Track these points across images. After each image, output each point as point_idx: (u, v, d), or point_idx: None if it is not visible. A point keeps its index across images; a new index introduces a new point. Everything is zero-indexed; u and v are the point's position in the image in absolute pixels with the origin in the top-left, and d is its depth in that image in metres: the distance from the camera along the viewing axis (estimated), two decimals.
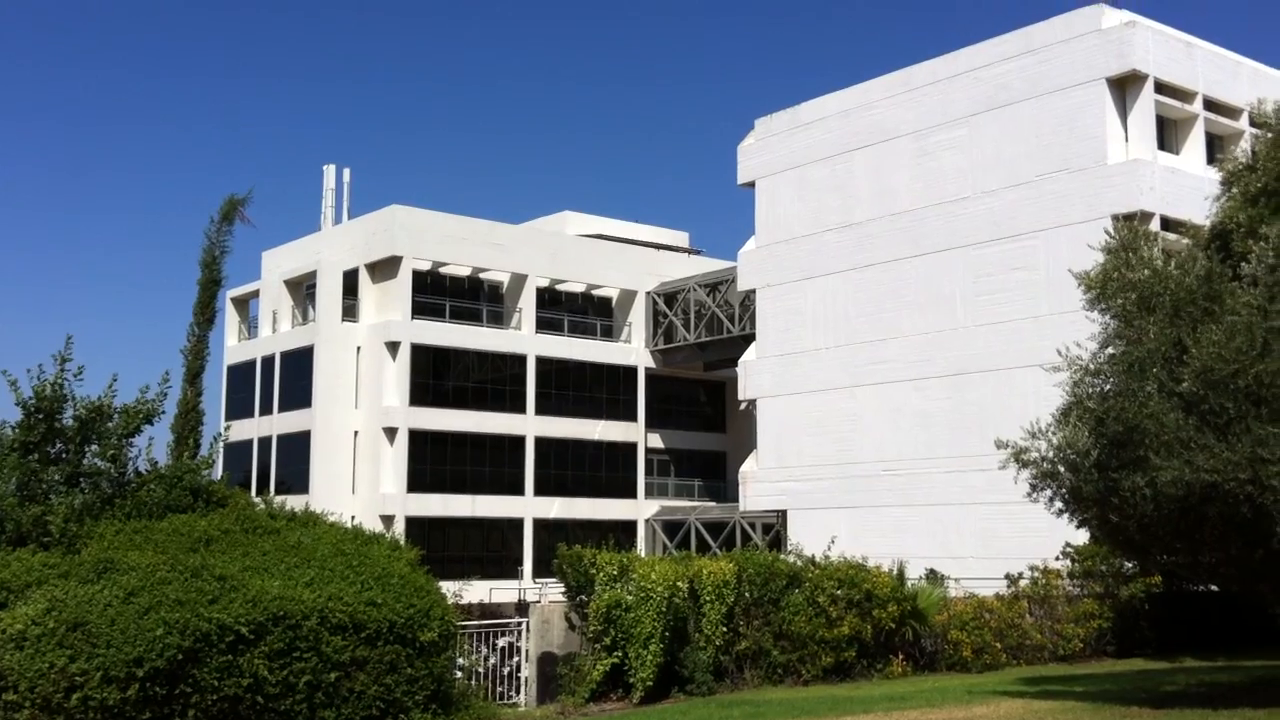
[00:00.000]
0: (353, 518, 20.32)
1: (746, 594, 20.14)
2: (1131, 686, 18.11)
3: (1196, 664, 22.12)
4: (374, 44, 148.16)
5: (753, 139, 49.24)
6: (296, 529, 16.92)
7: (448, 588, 17.18)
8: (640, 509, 58.38)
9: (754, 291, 49.02)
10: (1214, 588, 23.86)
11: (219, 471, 33.08)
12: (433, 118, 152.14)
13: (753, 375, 48.15)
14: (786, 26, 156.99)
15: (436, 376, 53.86)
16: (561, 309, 59.06)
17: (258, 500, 18.53)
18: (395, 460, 52.22)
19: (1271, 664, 21.16)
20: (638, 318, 60.00)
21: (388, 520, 49.89)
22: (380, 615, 14.75)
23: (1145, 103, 38.13)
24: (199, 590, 13.65)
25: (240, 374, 59.41)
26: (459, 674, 16.83)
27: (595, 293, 60.21)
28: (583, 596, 18.90)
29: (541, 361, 56.58)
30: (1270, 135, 17.82)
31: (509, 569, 51.73)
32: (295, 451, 53.77)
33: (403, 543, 18.28)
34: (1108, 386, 15.34)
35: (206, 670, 13.09)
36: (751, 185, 49.06)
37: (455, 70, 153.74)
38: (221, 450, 40.29)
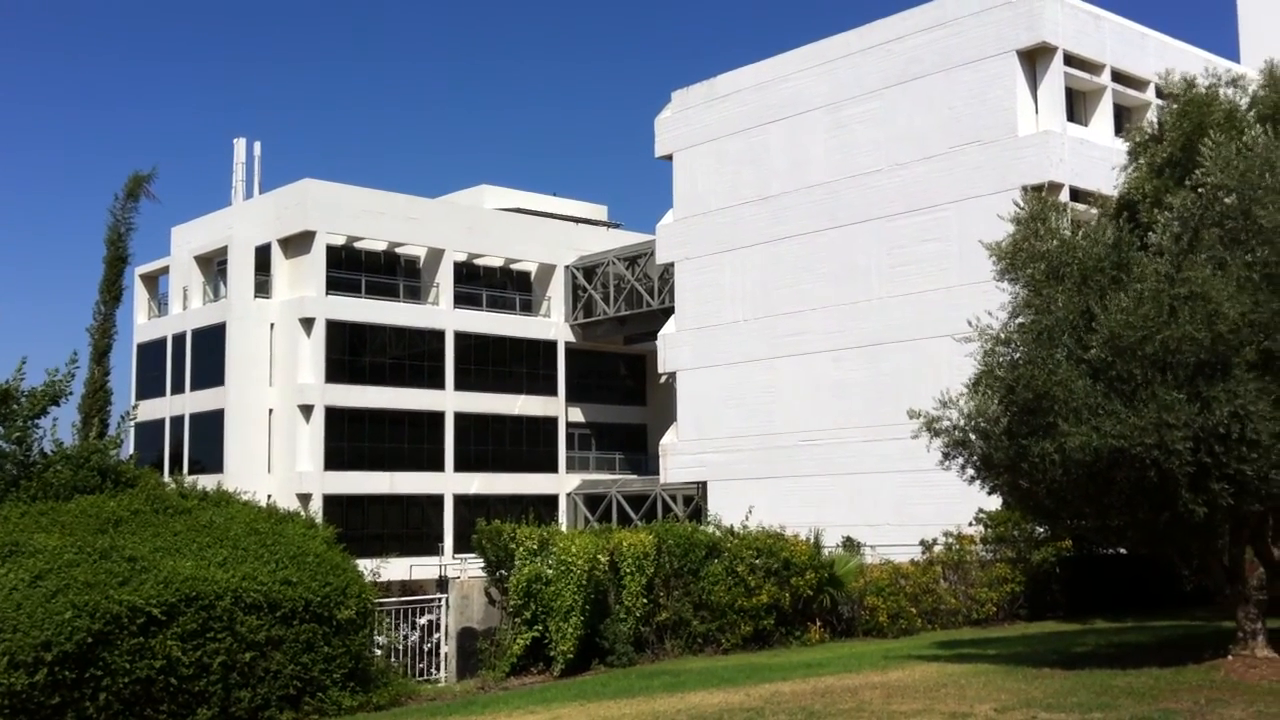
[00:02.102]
0: (268, 497, 20.11)
1: (666, 565, 20.25)
2: (1043, 648, 18.49)
3: (1106, 625, 22.64)
4: (285, 17, 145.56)
5: (670, 112, 49.19)
6: (209, 508, 16.70)
7: (365, 565, 17.07)
8: (561, 483, 58.39)
9: (673, 265, 49.09)
10: (1123, 551, 24.42)
11: (129, 451, 32.42)
12: (347, 92, 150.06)
13: (672, 348, 48.27)
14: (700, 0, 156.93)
15: (353, 353, 53.28)
16: (480, 283, 58.68)
17: (169, 480, 18.24)
18: (311, 438, 51.63)
19: (1178, 624, 21.73)
20: (557, 292, 59.82)
21: (304, 499, 49.36)
22: (296, 594, 14.62)
23: (1055, 75, 38.68)
24: (108, 572, 13.42)
25: (150, 352, 58.30)
26: (378, 651, 16.75)
27: (514, 267, 59.90)
28: (503, 571, 18.86)
29: (460, 336, 56.21)
30: (1175, 107, 18.16)
31: (429, 546, 51.47)
32: (208, 430, 52.95)
33: (319, 521, 18.13)
34: (1017, 355, 15.56)
35: (117, 653, 12.88)
36: (669, 158, 49.06)
37: (369, 43, 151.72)
38: (131, 430, 39.50)
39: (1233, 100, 18.15)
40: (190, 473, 44.85)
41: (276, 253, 53.69)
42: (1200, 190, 15.15)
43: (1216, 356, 13.85)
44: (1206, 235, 14.85)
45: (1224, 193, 14.76)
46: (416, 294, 56.76)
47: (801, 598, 21.40)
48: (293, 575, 14.80)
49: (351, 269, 54.59)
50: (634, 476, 58.59)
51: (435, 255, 56.52)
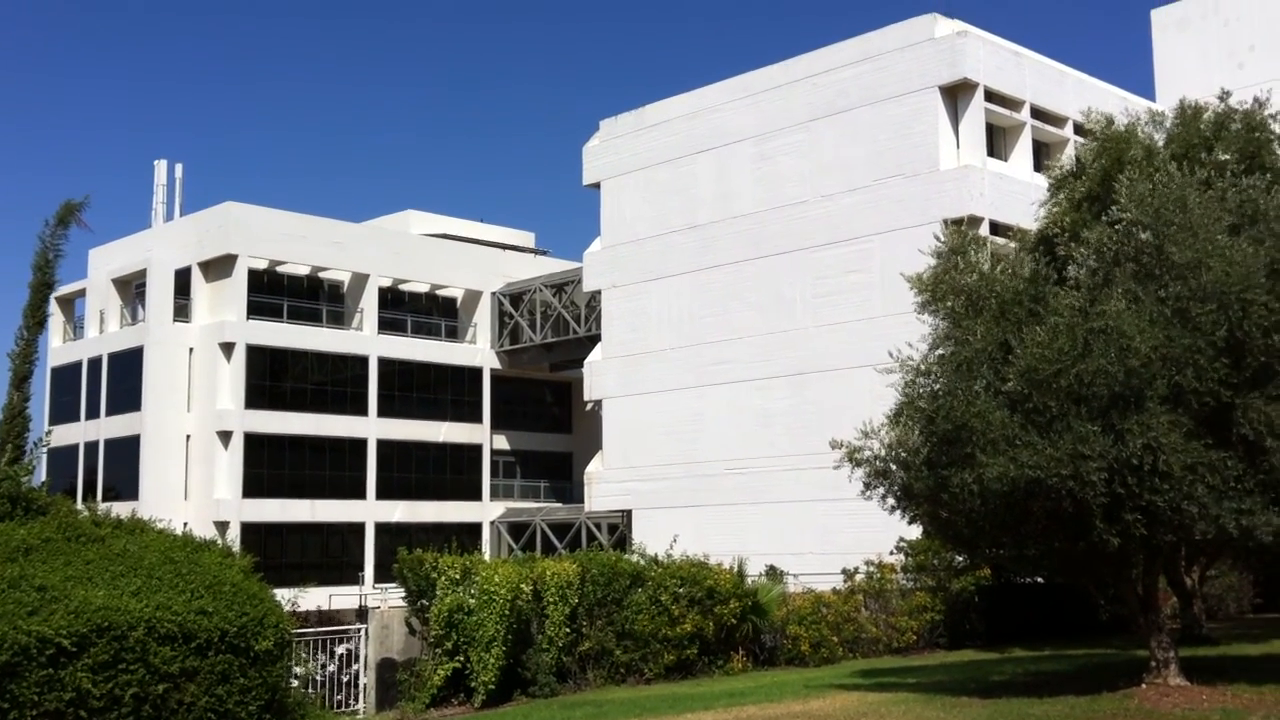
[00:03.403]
0: (185, 525, 19.73)
1: (590, 594, 20.17)
2: (962, 677, 18.66)
3: (1024, 654, 22.91)
4: (209, 38, 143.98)
5: (598, 140, 49.34)
6: (123, 536, 16.29)
7: (283, 595, 16.77)
8: (485, 511, 57.93)
9: (600, 292, 49.12)
10: (1040, 580, 24.77)
11: (41, 478, 31.63)
12: (271, 114, 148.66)
13: (598, 376, 48.24)
14: (631, 29, 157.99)
15: (274, 378, 52.53)
16: (405, 309, 58.23)
17: (82, 507, 17.82)
18: (230, 465, 50.75)
19: (1094, 653, 22.05)
20: (483, 318, 59.51)
21: (222, 526, 48.49)
22: (211, 624, 14.31)
23: (976, 110, 39.38)
24: (16, 601, 13.03)
25: (65, 376, 57.01)
26: (295, 683, 16.43)
27: (440, 293, 59.54)
28: (424, 601, 18.66)
29: (384, 362, 55.67)
30: (1094, 143, 18.57)
31: (350, 575, 50.74)
32: (124, 456, 51.83)
33: (237, 549, 17.79)
34: (937, 386, 15.78)
35: (25, 685, 12.50)
36: (597, 186, 49.16)
37: (295, 66, 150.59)
38: (44, 456, 38.59)
39: (1151, 138, 18.62)
40: (105, 500, 43.90)
41: (197, 276, 52.87)
42: (1116, 226, 15.50)
43: (1129, 390, 14.13)
44: (1121, 270, 15.19)
45: (1139, 229, 15.11)
46: (340, 319, 56.18)
47: (725, 626, 21.41)
48: (208, 605, 14.48)
49: (274, 293, 53.91)
50: (559, 505, 58.34)
51: (360, 280, 55.99)
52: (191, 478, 51.62)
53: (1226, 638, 23.51)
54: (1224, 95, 18.84)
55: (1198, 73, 58.54)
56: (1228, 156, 17.10)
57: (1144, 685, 15.69)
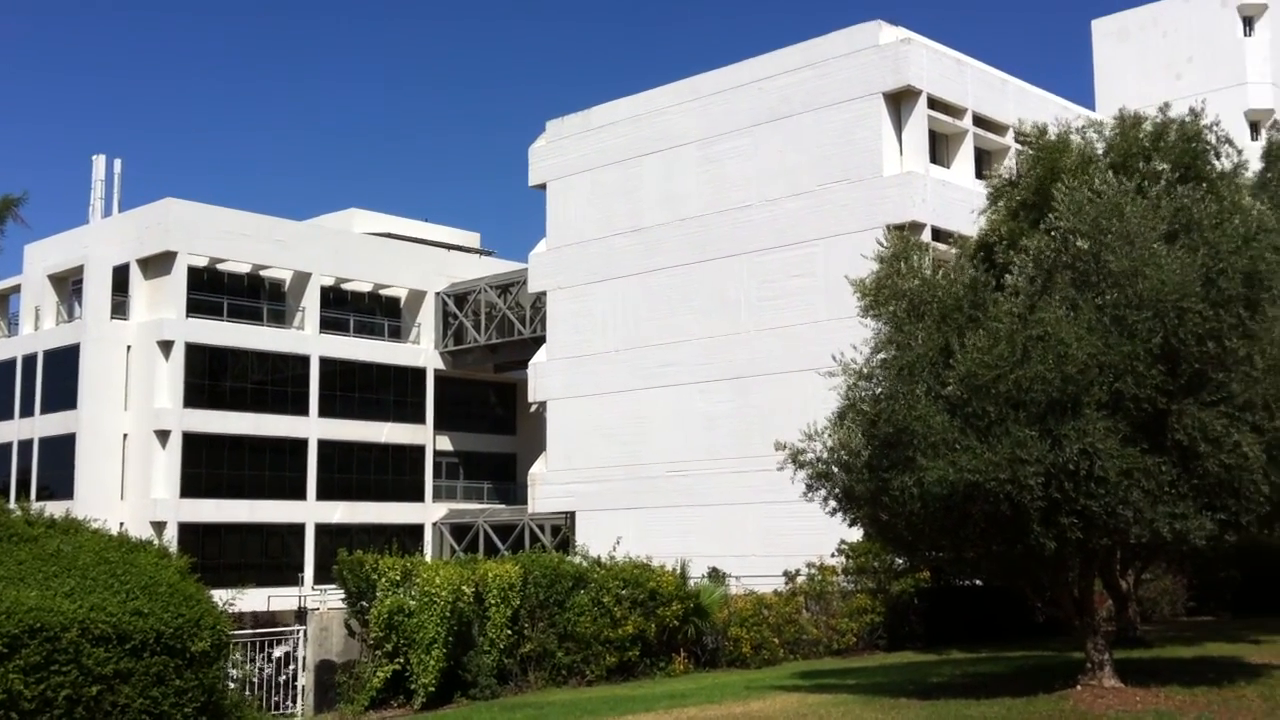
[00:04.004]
0: (121, 525, 19.47)
1: (532, 596, 20.13)
2: (901, 679, 18.81)
3: (962, 655, 23.13)
4: (150, 32, 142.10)
5: (544, 141, 49.25)
6: (56, 536, 16.04)
7: (221, 596, 16.59)
8: (428, 512, 57.63)
9: (545, 294, 49.03)
10: (978, 582, 25.00)
11: None
12: (212, 110, 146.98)
13: (543, 377, 48.13)
14: (578, 30, 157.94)
15: (213, 377, 51.93)
16: (347, 309, 57.78)
17: (14, 507, 17.52)
18: (168, 464, 50.11)
19: (1031, 655, 22.30)
20: (427, 319, 59.20)
21: (159, 527, 47.86)
22: (146, 626, 14.14)
23: (919, 118, 39.74)
24: None
25: None
26: (232, 684, 16.26)
27: (383, 292, 59.14)
28: (364, 603, 18.53)
29: (325, 362, 55.21)
30: (1031, 152, 18.81)
31: (289, 576, 50.24)
32: (59, 455, 51.00)
33: (174, 550, 17.59)
34: (879, 390, 15.90)
35: None
36: (543, 187, 49.06)
37: (238, 61, 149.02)
38: None
39: (1090, 146, 18.87)
40: (38, 499, 43.06)
41: (135, 273, 52.16)
42: (1054, 234, 15.69)
43: (1067, 396, 14.31)
44: (1059, 278, 15.38)
45: (1076, 237, 15.30)
46: (281, 318, 55.64)
47: (667, 628, 21.45)
48: (144, 606, 14.30)
49: (214, 291, 53.29)
50: (502, 506, 58.15)
51: (301, 279, 55.49)
52: (128, 477, 50.92)
53: (1160, 640, 23.87)
54: (1164, 107, 19.14)
55: (1137, 83, 59.56)
56: (1165, 166, 17.38)
57: (1079, 687, 15.89)
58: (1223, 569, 31.64)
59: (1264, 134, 32.09)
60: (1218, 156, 18.43)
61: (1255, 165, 28.17)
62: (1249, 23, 60.63)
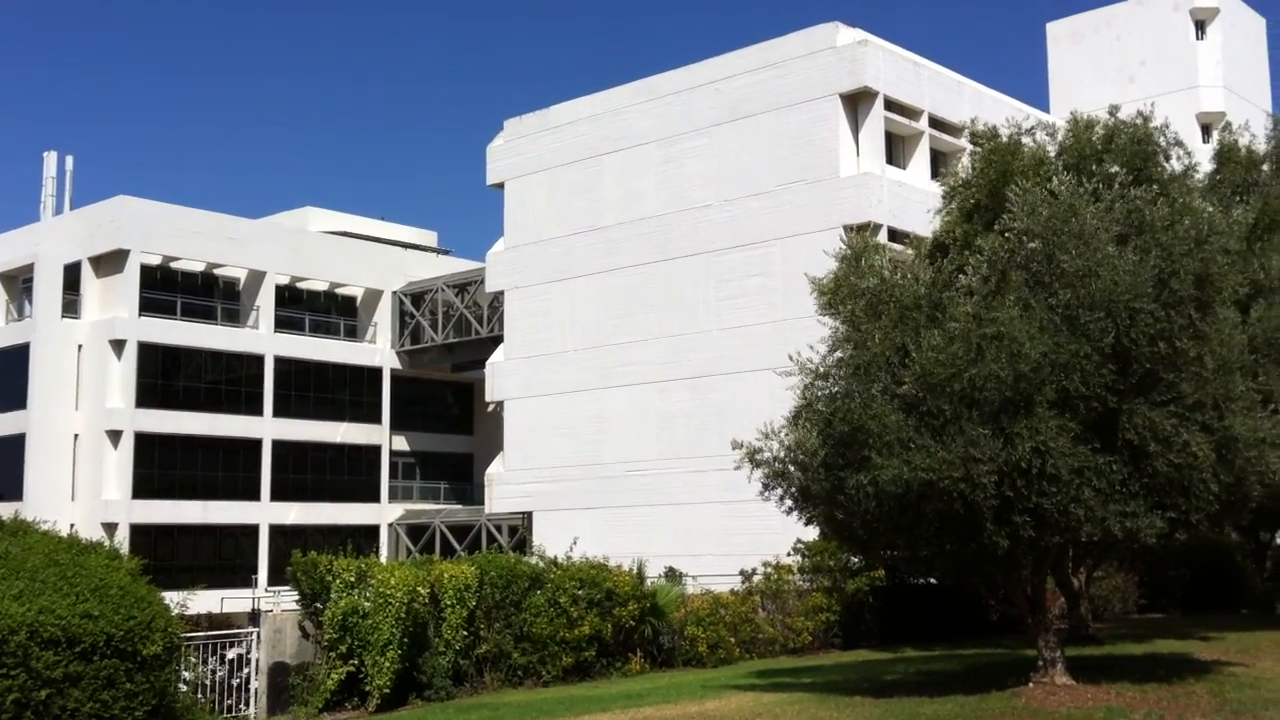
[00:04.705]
0: (71, 526, 19.22)
1: (488, 597, 20.06)
2: (856, 677, 18.90)
3: (916, 654, 23.27)
4: (102, 27, 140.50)
5: (502, 140, 49.11)
6: (5, 538, 15.81)
7: (172, 598, 16.41)
8: (384, 513, 57.29)
9: (503, 293, 48.89)
10: (933, 581, 25.16)
11: None
12: (165, 106, 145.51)
13: (500, 377, 48.00)
14: (536, 28, 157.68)
15: (166, 377, 51.39)
16: (303, 308, 57.34)
17: None
18: (120, 465, 49.55)
19: (984, 652, 22.48)
20: (383, 318, 58.84)
21: (110, 528, 47.29)
22: (97, 628, 13.96)
23: (876, 119, 39.95)
24: None
25: None
26: (184, 687, 16.09)
27: (339, 291, 58.75)
28: (318, 604, 18.39)
29: (280, 362, 54.75)
30: (984, 153, 18.95)
31: (243, 577, 49.79)
32: (8, 456, 50.26)
33: (125, 551, 17.39)
34: (836, 389, 15.96)
35: None
36: (501, 186, 48.92)
37: (191, 57, 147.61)
38: None
39: (1042, 147, 19.04)
40: None
41: (87, 271, 51.54)
42: (1008, 234, 15.82)
43: (1020, 394, 14.43)
44: (1014, 277, 15.50)
45: (1030, 237, 15.43)
46: (235, 317, 55.15)
47: (623, 628, 21.44)
48: (94, 609, 14.13)
49: (167, 290, 52.74)
50: (459, 506, 57.91)
51: (256, 278, 55.01)
52: (79, 478, 50.31)
53: (1112, 637, 24.13)
54: (1113, 110, 19.34)
55: (1090, 85, 60.25)
56: (1117, 168, 17.55)
57: (1031, 684, 16.02)
58: (1173, 567, 32.06)
59: (1215, 136, 32.51)
60: (1168, 159, 18.66)
61: (1207, 167, 28.59)
62: (1201, 27, 61.45)
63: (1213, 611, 31.46)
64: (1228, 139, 29.30)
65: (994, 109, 36.40)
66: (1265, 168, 28.25)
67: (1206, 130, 57.06)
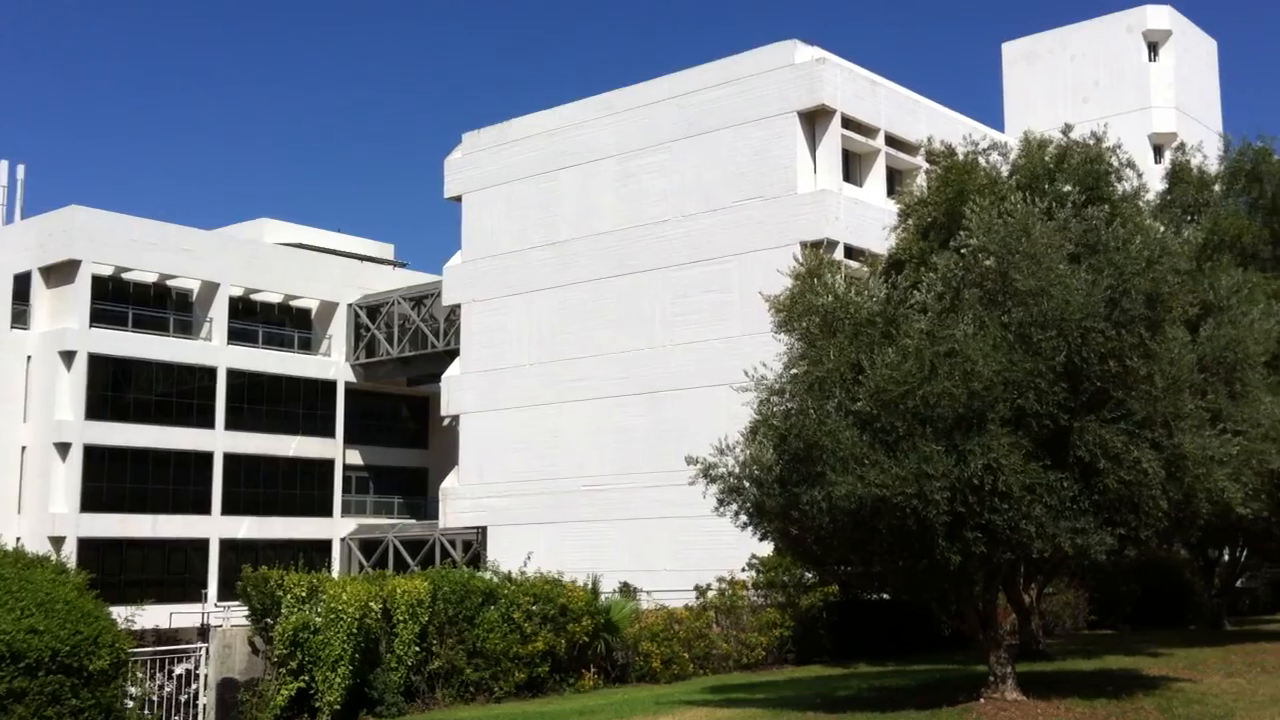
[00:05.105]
0: (17, 540, 18.92)
1: (442, 612, 19.92)
2: (809, 692, 18.93)
3: (870, 669, 23.34)
4: (54, 35, 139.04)
5: (460, 153, 49.00)
6: None
7: (120, 613, 16.20)
8: (336, 528, 56.79)
9: (459, 306, 48.71)
10: (886, 596, 25.27)
11: None
12: (119, 116, 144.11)
13: (456, 391, 47.78)
14: (495, 41, 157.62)
15: (116, 389, 50.75)
16: (256, 320, 56.82)
17: None
18: (68, 478, 48.84)
19: (936, 668, 22.58)
20: (338, 330, 58.43)
21: (58, 542, 46.54)
22: (42, 644, 13.78)
23: (833, 136, 40.20)
24: None
25: None
26: (130, 703, 15.88)
27: (293, 303, 58.28)
28: (268, 620, 18.18)
29: (233, 374, 54.20)
30: (939, 172, 19.12)
31: (193, 592, 49.13)
32: None
33: (73, 566, 17.16)
34: (791, 405, 16.01)
35: None
36: (458, 199, 48.79)
37: (144, 66, 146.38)
38: None
39: (995, 167, 19.24)
40: None
41: (37, 281, 50.85)
42: (963, 252, 15.95)
43: (972, 411, 14.53)
44: (968, 295, 15.63)
45: (984, 255, 15.57)
46: (188, 329, 54.57)
47: (577, 644, 21.36)
48: (39, 623, 13.95)
49: (118, 301, 52.10)
50: (413, 521, 57.52)
51: (209, 289, 54.48)
52: (26, 491, 49.53)
53: (1062, 653, 24.30)
54: (1066, 129, 19.58)
55: (1045, 105, 60.98)
56: (1069, 188, 17.75)
57: (982, 700, 16.10)
58: (1123, 583, 32.41)
59: (1167, 157, 32.97)
60: (1120, 179, 18.91)
61: (1159, 187, 29.00)
62: (1154, 48, 62.36)
63: (1162, 627, 31.79)
64: (1180, 159, 29.73)
65: (950, 128, 36.70)
66: (1216, 188, 28.70)
67: (1159, 151, 57.89)
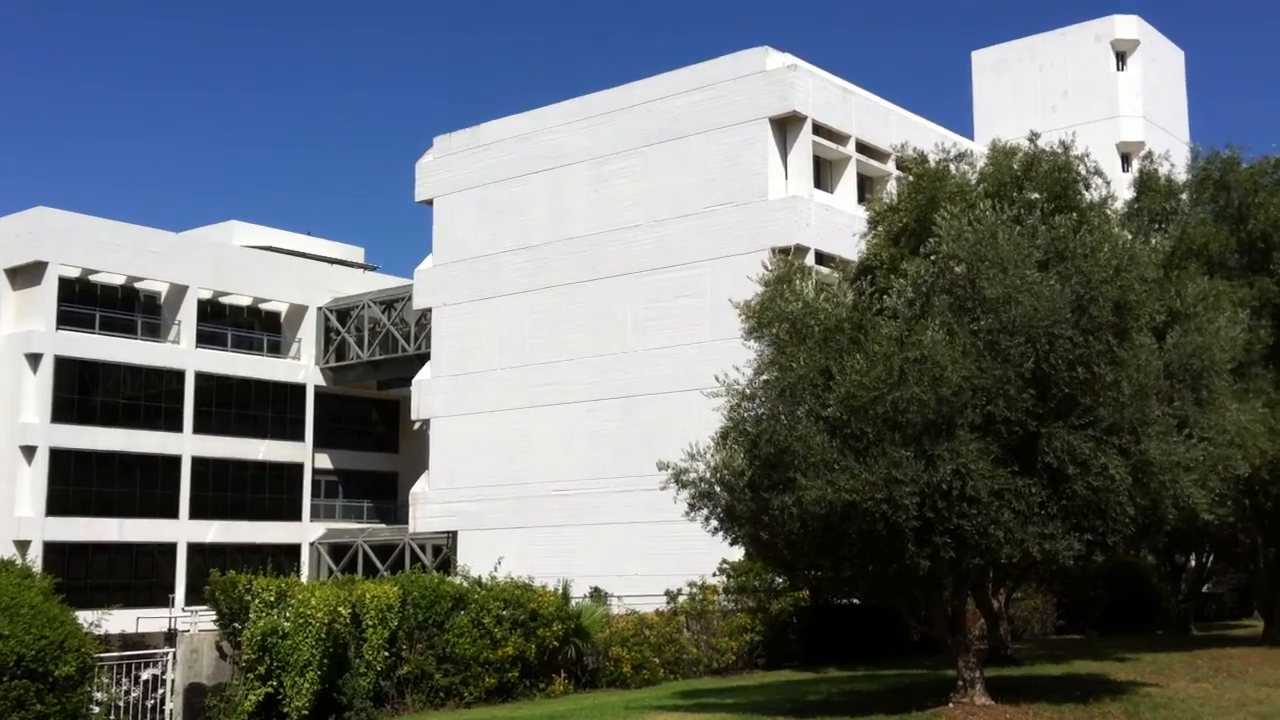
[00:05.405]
0: None
1: (411, 617, 19.85)
2: (779, 697, 18.97)
3: (839, 674, 23.41)
4: (19, 34, 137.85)
5: (431, 156, 48.88)
6: None
7: (86, 618, 16.07)
8: (305, 532, 56.53)
9: (430, 310, 48.57)
10: (856, 601, 25.35)
11: None
12: (86, 116, 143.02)
13: (427, 395, 47.64)
14: (466, 45, 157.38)
15: (83, 391, 50.36)
16: (225, 323, 56.50)
17: None
18: (34, 481, 48.43)
19: (905, 673, 22.66)
20: (308, 334, 58.17)
21: (23, 546, 46.10)
22: (7, 649, 13.69)
23: (804, 143, 40.33)
24: None
25: None
26: (96, 709, 15.77)
27: (263, 306, 57.99)
28: (236, 624, 18.06)
29: (201, 377, 53.88)
30: (910, 179, 19.23)
31: (160, 597, 48.79)
32: None
33: (38, 570, 17.03)
34: (762, 411, 16.06)
35: None
36: (430, 203, 48.67)
37: (112, 65, 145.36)
38: None
39: (964, 175, 19.37)
40: None
41: (3, 283, 50.41)
42: (933, 259, 16.04)
43: (941, 417, 14.61)
44: (937, 302, 15.72)
45: (954, 262, 15.66)
46: (156, 331, 54.20)
47: (547, 649, 21.32)
48: (3, 628, 13.86)
49: (86, 303, 51.71)
50: (382, 526, 57.30)
51: (178, 292, 54.13)
52: None
53: (1031, 658, 24.45)
54: (1033, 137, 19.72)
55: (1014, 114, 61.33)
56: (1037, 195, 17.89)
57: (951, 704, 16.19)
58: (1091, 588, 32.64)
59: (1135, 165, 33.19)
60: (1088, 187, 19.06)
61: (1126, 195, 29.21)
62: (1122, 58, 62.89)
63: (1129, 632, 32.04)
64: (1148, 168, 29.93)
65: (920, 135, 36.87)
66: (1184, 196, 28.92)
67: (1126, 159, 58.35)
